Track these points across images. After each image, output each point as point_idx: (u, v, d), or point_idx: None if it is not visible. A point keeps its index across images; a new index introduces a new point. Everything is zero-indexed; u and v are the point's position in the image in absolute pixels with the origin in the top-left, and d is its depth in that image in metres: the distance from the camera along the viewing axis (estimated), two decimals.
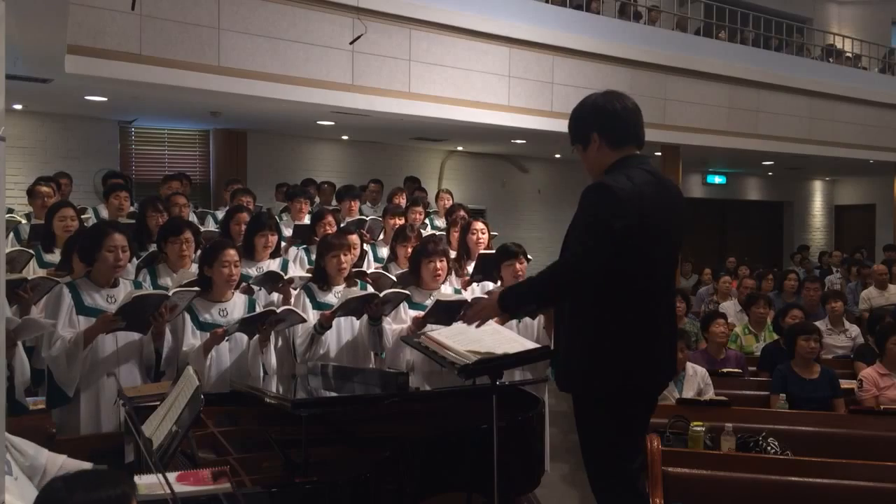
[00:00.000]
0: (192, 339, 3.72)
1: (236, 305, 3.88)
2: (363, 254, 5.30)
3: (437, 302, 3.88)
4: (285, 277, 4.40)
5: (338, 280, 4.22)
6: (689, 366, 4.87)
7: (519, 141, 10.83)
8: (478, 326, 2.76)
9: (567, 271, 2.50)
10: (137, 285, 3.88)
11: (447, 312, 3.89)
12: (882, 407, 4.61)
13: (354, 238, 4.78)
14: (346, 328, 4.17)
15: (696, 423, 4.02)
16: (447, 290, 4.40)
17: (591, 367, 2.54)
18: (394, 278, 4.66)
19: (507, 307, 2.64)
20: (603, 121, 2.64)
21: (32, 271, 4.54)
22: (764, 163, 14.16)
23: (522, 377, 4.05)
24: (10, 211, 6.66)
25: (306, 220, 5.94)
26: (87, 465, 2.62)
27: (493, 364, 2.79)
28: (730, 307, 7.34)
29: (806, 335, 4.94)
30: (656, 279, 2.58)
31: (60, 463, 2.58)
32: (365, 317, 4.08)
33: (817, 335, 5.01)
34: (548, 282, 2.54)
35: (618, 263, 2.43)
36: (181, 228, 4.33)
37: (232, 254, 3.83)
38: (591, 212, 2.49)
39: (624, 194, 2.46)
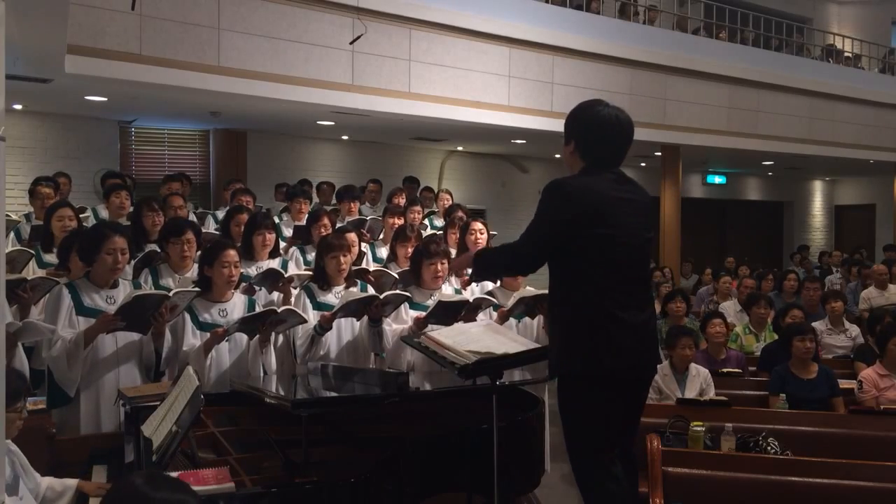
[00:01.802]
0: (193, 339, 3.72)
1: (236, 306, 3.88)
2: (362, 254, 5.30)
3: (440, 302, 3.89)
4: (285, 276, 4.41)
5: (338, 280, 4.22)
6: (693, 366, 4.87)
7: (519, 141, 10.83)
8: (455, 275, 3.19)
9: (505, 254, 2.90)
10: (137, 286, 3.88)
11: (448, 313, 3.89)
12: (882, 407, 4.61)
13: (353, 237, 4.78)
14: (346, 329, 4.16)
15: (696, 423, 4.02)
16: (447, 291, 4.40)
17: (561, 351, 2.73)
18: (395, 276, 4.67)
19: (476, 269, 3.05)
20: (584, 135, 2.82)
21: (32, 271, 4.54)
22: (764, 163, 14.15)
23: (522, 377, 4.06)
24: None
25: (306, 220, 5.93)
26: (72, 482, 2.64)
27: (493, 364, 2.80)
28: (730, 307, 7.34)
29: (801, 335, 4.93)
30: (620, 270, 2.71)
31: (46, 484, 2.60)
32: (365, 318, 4.08)
33: (812, 335, 5.00)
34: (495, 258, 2.97)
35: (578, 252, 2.66)
36: (183, 229, 4.32)
37: (232, 254, 3.83)
38: (541, 207, 2.75)
39: (573, 189, 2.69)
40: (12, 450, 2.52)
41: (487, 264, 3.05)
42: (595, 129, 2.78)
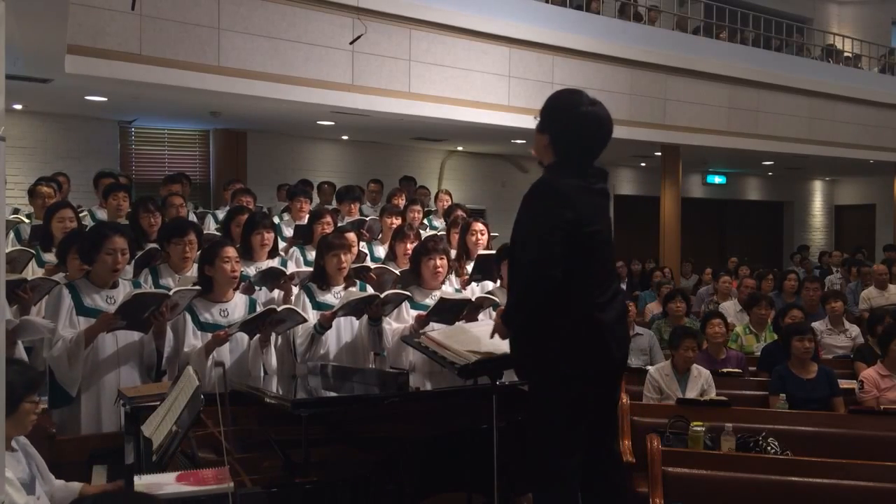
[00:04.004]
0: (194, 339, 3.72)
1: (237, 305, 3.88)
2: (362, 254, 5.30)
3: (441, 300, 3.88)
4: (287, 273, 4.40)
5: (337, 280, 4.21)
6: (695, 367, 4.87)
7: (519, 141, 10.82)
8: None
9: (528, 291, 2.62)
10: (137, 285, 3.88)
11: (450, 312, 3.89)
12: (882, 407, 4.61)
13: (353, 237, 4.78)
14: (346, 328, 4.16)
15: (696, 423, 4.02)
16: (448, 290, 4.40)
17: (546, 351, 2.63)
18: (397, 273, 4.67)
19: (509, 325, 2.73)
20: (561, 129, 2.71)
21: (32, 272, 4.53)
22: (764, 163, 14.15)
23: None
24: (17, 211, 6.67)
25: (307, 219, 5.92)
26: (76, 485, 2.64)
27: (493, 364, 2.79)
28: (730, 307, 7.34)
29: (800, 335, 4.93)
30: (601, 266, 2.70)
31: (57, 487, 2.61)
32: (365, 317, 4.08)
33: (811, 335, 5.00)
34: (524, 294, 2.64)
35: (568, 253, 2.58)
36: (186, 229, 4.32)
37: (231, 250, 3.83)
38: (537, 214, 2.67)
39: (567, 189, 2.64)
40: (30, 452, 2.54)
41: (514, 313, 2.71)
42: (576, 129, 2.68)
